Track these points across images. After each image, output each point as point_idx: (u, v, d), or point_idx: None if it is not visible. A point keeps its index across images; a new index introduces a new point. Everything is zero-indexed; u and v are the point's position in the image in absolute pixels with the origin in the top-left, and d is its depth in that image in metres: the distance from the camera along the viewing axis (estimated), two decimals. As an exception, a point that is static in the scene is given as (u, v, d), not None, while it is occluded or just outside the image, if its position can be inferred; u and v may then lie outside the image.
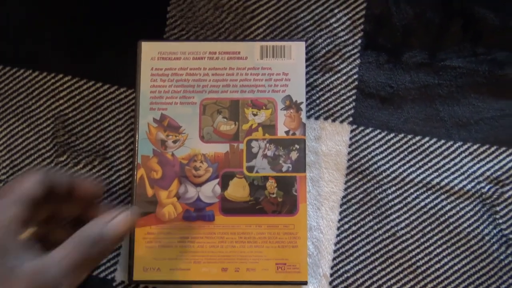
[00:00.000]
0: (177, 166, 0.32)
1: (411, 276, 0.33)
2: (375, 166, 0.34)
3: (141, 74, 0.33)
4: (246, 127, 0.32)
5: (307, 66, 0.35)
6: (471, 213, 0.33)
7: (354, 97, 0.35)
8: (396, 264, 0.33)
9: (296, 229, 0.32)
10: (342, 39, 0.35)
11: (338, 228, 0.33)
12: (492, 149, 0.34)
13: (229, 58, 0.33)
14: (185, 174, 0.32)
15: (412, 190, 0.33)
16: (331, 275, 0.33)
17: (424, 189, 0.33)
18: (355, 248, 0.33)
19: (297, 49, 0.33)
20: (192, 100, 0.32)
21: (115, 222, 0.26)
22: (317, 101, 0.35)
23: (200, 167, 0.32)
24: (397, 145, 0.34)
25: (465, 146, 0.34)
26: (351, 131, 0.34)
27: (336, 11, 0.35)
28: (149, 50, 0.33)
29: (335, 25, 0.35)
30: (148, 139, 0.32)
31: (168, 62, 0.33)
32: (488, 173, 0.33)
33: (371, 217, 0.33)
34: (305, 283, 0.31)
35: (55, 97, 0.34)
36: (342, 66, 0.35)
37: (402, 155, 0.34)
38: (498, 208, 0.33)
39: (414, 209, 0.33)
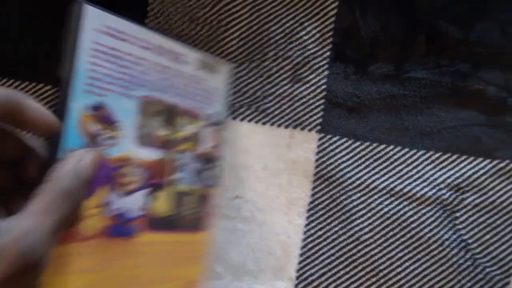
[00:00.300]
0: (106, 170, 0.26)
1: (373, 280, 0.34)
2: (342, 173, 0.35)
3: (80, 44, 0.25)
4: (178, 137, 0.31)
5: (277, 77, 0.36)
6: (432, 218, 0.34)
7: (322, 106, 0.36)
8: (360, 267, 0.34)
9: (202, 245, 0.32)
10: (312, 51, 0.36)
11: (305, 233, 0.35)
12: (454, 157, 0.35)
13: (173, 59, 0.30)
14: (113, 180, 0.27)
15: (376, 197, 0.35)
16: (297, 278, 0.34)
17: (388, 195, 0.35)
18: (321, 252, 0.35)
19: (227, 70, 0.35)
20: (134, 93, 0.28)
21: (87, 157, 0.22)
22: (287, 111, 0.36)
23: (130, 173, 0.27)
24: (363, 153, 0.36)
25: (428, 154, 0.35)
26: (319, 139, 0.36)
27: (306, 24, 0.37)
28: (93, 19, 0.26)
29: (305, 38, 0.36)
30: (78, 128, 0.24)
31: (113, 41, 0.27)
32: (449, 180, 0.35)
33: (336, 222, 0.35)
34: None
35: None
36: (311, 77, 0.36)
37: (367, 163, 0.35)
38: (458, 214, 0.34)
39: (378, 215, 0.35)
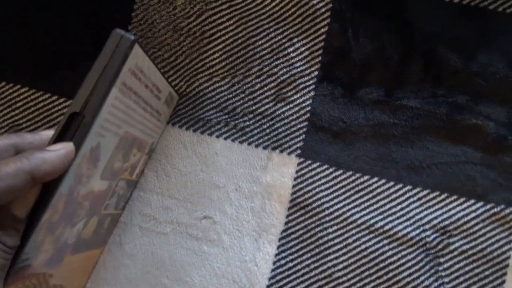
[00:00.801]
0: (73, 207, 0.25)
1: (342, 322, 0.31)
2: (319, 202, 0.33)
3: (114, 85, 0.23)
4: (125, 166, 0.30)
5: (259, 94, 0.34)
6: (413, 261, 0.31)
7: (304, 129, 0.34)
8: (329, 307, 0.32)
9: (95, 260, 0.32)
10: (299, 69, 0.34)
11: (274, 263, 0.32)
12: (442, 196, 0.32)
13: (155, 96, 0.30)
14: (74, 215, 0.25)
15: (354, 231, 0.32)
16: (259, 311, 0.32)
17: (367, 231, 0.32)
18: (289, 285, 0.32)
19: (176, 103, 0.34)
20: (120, 130, 0.26)
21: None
22: (267, 131, 0.34)
23: (85, 206, 0.26)
24: (344, 183, 0.33)
25: (415, 191, 0.32)
26: (298, 164, 0.33)
27: (294, 40, 0.34)
28: (133, 58, 0.23)
29: (292, 55, 0.34)
30: (74, 172, 0.23)
31: (134, 81, 0.25)
32: (435, 222, 0.32)
33: (309, 255, 0.32)
34: None
35: (11, 107, 0.35)
36: (295, 97, 0.34)
37: (347, 194, 0.33)
38: (442, 260, 0.31)
39: (354, 251, 0.32)
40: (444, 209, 0.32)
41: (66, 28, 0.36)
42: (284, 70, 0.34)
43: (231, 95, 0.35)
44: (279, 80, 0.34)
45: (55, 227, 0.23)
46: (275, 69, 0.34)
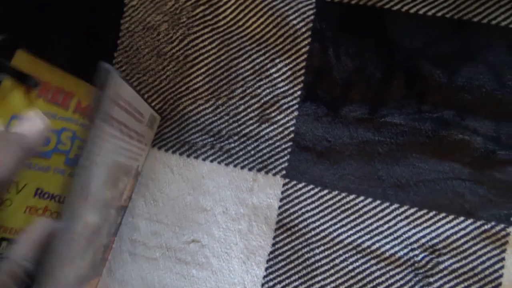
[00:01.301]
0: (71, 245, 0.25)
1: None
2: (305, 223, 0.33)
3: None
4: (115, 193, 0.30)
5: (244, 116, 0.34)
6: (402, 282, 0.31)
7: (289, 149, 0.34)
8: (318, 329, 0.31)
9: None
10: (282, 89, 0.34)
11: (263, 285, 0.32)
12: (430, 214, 0.31)
13: (138, 120, 0.30)
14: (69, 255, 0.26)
15: (341, 252, 0.32)
16: (248, 334, 0.32)
17: (354, 251, 0.32)
18: (278, 307, 0.32)
19: (157, 124, 0.35)
20: (107, 160, 0.27)
21: None
22: (252, 152, 0.34)
23: (79, 244, 0.27)
24: (329, 203, 0.33)
25: (402, 209, 0.32)
26: (284, 185, 0.33)
27: (277, 61, 0.34)
28: (113, 87, 0.24)
29: (275, 75, 0.34)
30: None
31: (118, 111, 0.26)
32: (423, 240, 0.31)
33: (296, 276, 0.32)
34: None
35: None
36: (279, 117, 0.34)
37: (334, 214, 0.33)
38: (431, 280, 0.30)
39: (342, 272, 0.32)
40: (433, 227, 0.31)
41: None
42: (267, 91, 0.34)
43: (215, 118, 0.35)
44: (262, 101, 0.34)
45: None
46: (258, 90, 0.34)
